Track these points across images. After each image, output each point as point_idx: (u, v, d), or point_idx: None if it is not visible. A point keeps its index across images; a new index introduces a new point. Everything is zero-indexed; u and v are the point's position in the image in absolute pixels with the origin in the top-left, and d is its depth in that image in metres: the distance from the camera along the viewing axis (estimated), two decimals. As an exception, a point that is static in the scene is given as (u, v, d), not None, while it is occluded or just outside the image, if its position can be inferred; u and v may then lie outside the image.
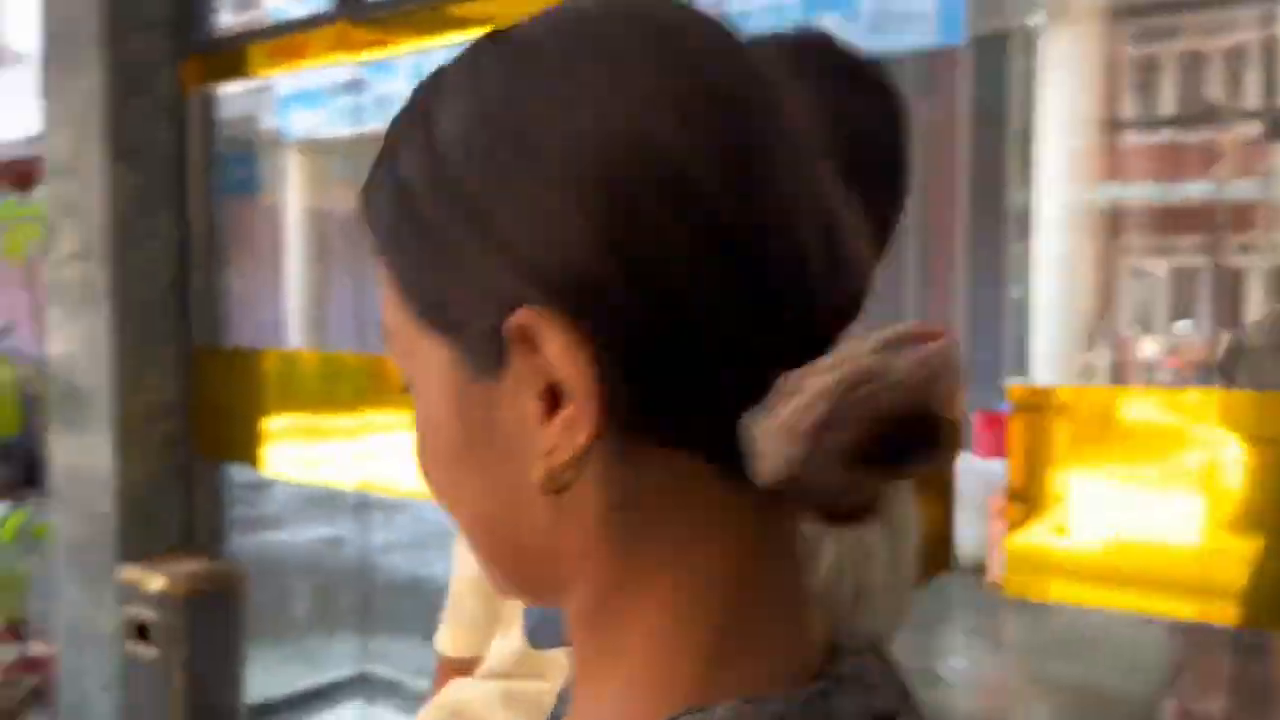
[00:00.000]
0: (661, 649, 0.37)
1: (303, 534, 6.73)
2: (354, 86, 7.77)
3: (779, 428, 0.33)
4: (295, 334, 10.26)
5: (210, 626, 3.02)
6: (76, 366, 3.23)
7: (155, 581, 2.95)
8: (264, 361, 3.27)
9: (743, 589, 0.37)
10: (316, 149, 9.68)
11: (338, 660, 4.08)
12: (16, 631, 3.85)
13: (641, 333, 0.34)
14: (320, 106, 8.68)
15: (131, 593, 3.03)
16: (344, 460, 3.00)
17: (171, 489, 3.19)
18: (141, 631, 3.00)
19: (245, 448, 3.18)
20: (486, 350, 0.36)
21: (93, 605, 3.22)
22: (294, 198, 9.80)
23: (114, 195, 3.09)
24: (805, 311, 0.36)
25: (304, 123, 9.12)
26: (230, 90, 3.36)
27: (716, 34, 0.38)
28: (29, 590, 3.95)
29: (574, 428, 0.35)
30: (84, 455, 3.20)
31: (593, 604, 0.38)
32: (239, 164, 3.65)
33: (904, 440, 0.34)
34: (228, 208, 3.36)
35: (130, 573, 3.04)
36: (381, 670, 3.46)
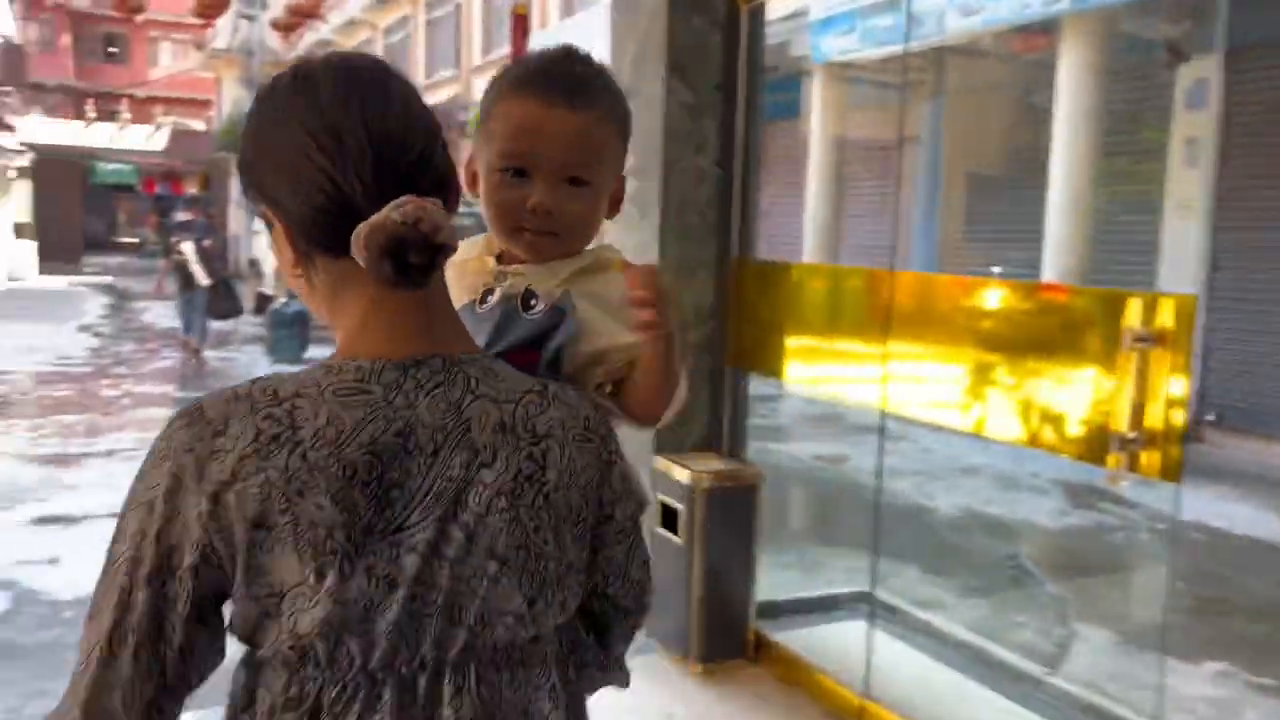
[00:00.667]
0: (344, 342, 0.92)
1: (803, 449, 7.03)
2: (887, 6, 7.89)
3: (355, 250, 0.83)
4: (809, 256, 10.58)
5: (729, 520, 3.21)
6: (624, 271, 3.50)
7: (683, 474, 3.18)
8: (797, 276, 3.36)
9: (377, 325, 0.90)
10: (842, 73, 9.81)
11: (836, 574, 4.20)
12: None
13: (297, 220, 0.89)
14: (851, 29, 8.86)
15: (662, 481, 3.28)
16: (862, 381, 3.02)
17: (702, 391, 3.40)
18: (669, 517, 3.25)
19: (770, 359, 3.31)
20: (268, 224, 0.93)
21: (626, 489, 3.51)
22: (818, 121, 10.06)
23: (668, 110, 3.29)
24: (365, 200, 0.85)
25: (834, 46, 9.34)
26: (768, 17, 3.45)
27: (339, 78, 0.89)
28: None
29: (287, 253, 0.92)
30: (626, 352, 3.49)
31: (334, 326, 0.94)
32: (777, 90, 3.76)
33: (401, 249, 0.82)
34: (764, 128, 3.48)
35: (662, 463, 3.29)
36: (882, 594, 3.51)
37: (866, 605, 3.47)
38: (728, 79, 3.36)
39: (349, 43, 27.78)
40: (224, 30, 29.12)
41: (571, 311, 1.03)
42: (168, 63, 38.75)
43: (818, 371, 3.27)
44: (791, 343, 3.21)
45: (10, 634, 3.58)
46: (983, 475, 6.35)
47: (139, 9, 19.05)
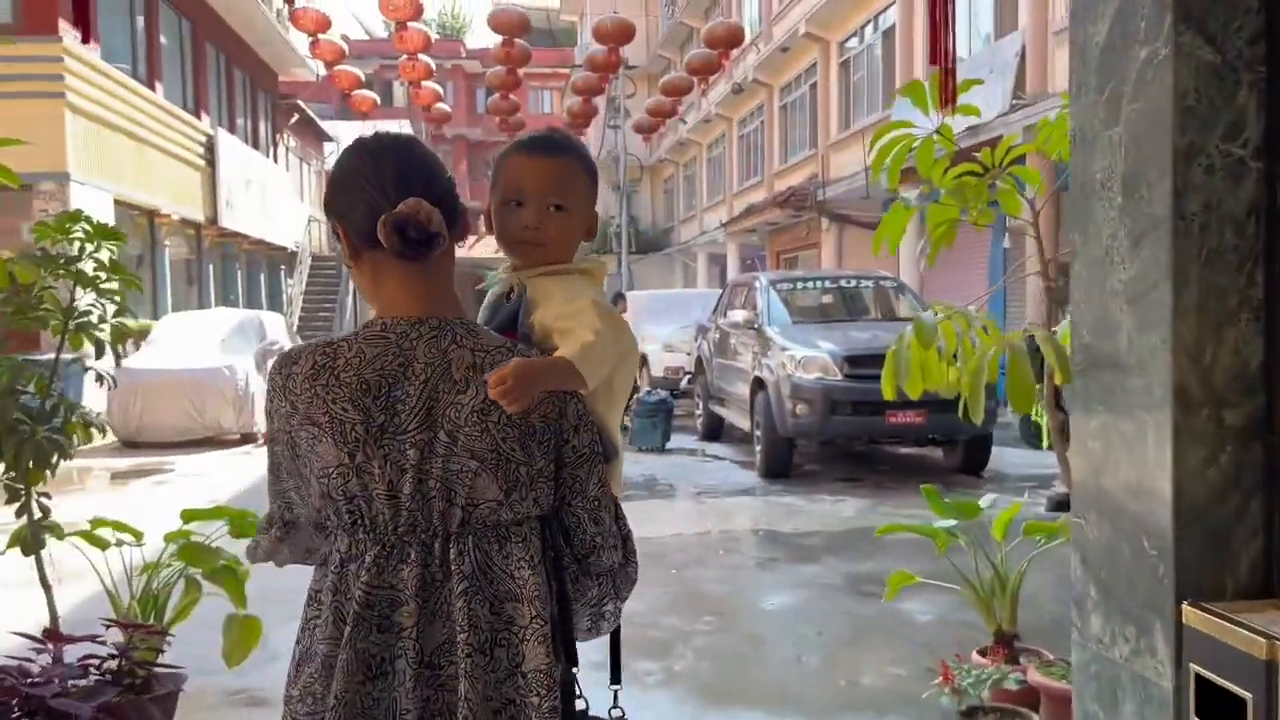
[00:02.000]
0: (378, 310, 1.43)
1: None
2: None
3: (379, 230, 1.36)
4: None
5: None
6: (1111, 326, 2.41)
7: (1247, 641, 1.98)
8: None
9: (396, 294, 1.42)
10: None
11: None
12: (1008, 647, 3.25)
13: (354, 225, 1.42)
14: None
15: (1201, 646, 2.10)
16: None
17: (1248, 502, 2.20)
18: (1219, 706, 2.06)
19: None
20: (335, 236, 1.48)
21: (1131, 647, 2.37)
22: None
23: (1179, 80, 2.20)
24: (390, 209, 1.37)
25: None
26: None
27: (380, 144, 1.45)
28: (1018, 601, 3.33)
29: (347, 251, 1.45)
30: (1119, 444, 2.38)
31: (373, 302, 1.46)
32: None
33: (404, 226, 1.35)
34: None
35: (1197, 618, 2.11)
36: None
37: None
38: (1275, 27, 2.21)
39: (705, 139, 28.54)
40: (593, 143, 31.23)
41: (524, 293, 1.52)
42: (546, 178, 42.33)
43: None
44: None
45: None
46: None
47: (520, 127, 20.68)
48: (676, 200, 32.94)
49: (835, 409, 8.03)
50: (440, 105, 19.74)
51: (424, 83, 18.33)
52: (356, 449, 1.31)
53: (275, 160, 22.52)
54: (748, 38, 20.03)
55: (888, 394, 3.17)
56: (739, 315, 9.76)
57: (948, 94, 2.68)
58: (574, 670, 1.47)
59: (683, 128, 28.45)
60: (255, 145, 20.71)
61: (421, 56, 17.11)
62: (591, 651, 1.60)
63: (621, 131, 27.10)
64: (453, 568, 1.32)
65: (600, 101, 23.81)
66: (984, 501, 3.49)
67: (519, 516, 1.36)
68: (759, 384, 8.82)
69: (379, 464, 1.31)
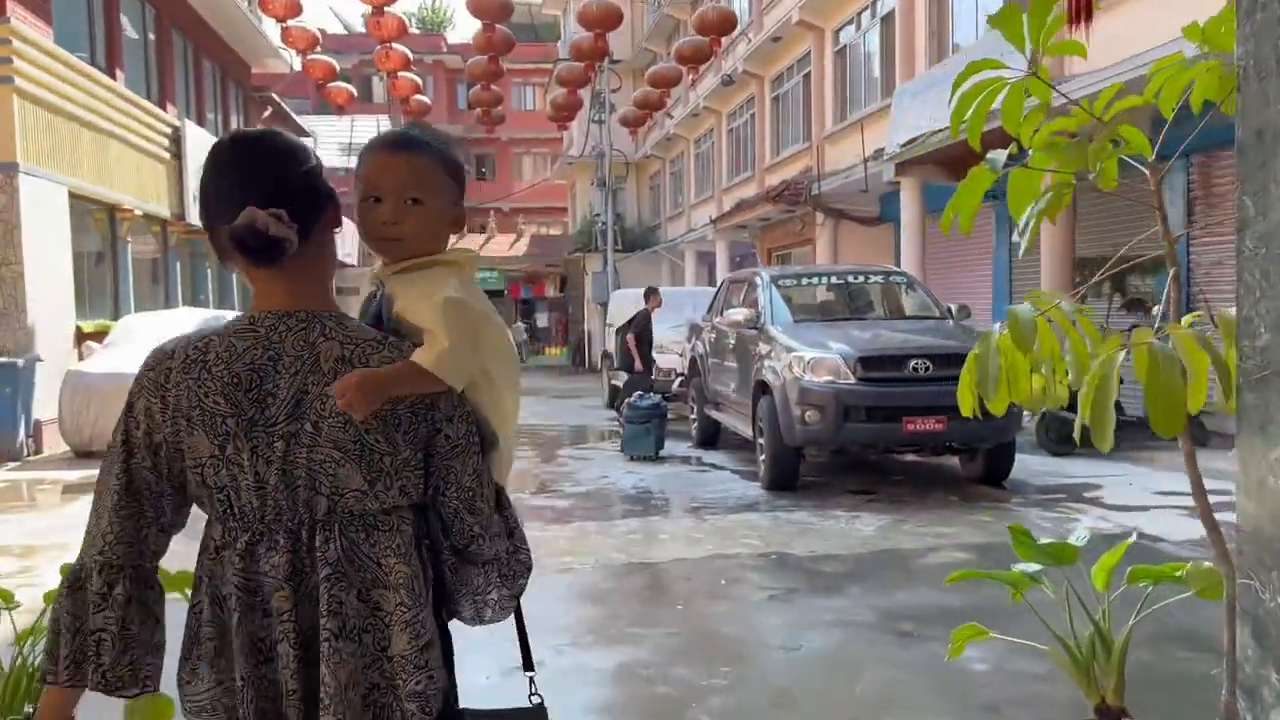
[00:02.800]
0: (252, 306, 1.49)
1: None
2: None
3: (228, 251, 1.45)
4: None
5: None
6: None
7: None
8: None
9: (264, 291, 1.46)
10: None
11: None
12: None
13: (213, 236, 1.45)
14: None
15: None
16: None
17: None
18: None
19: None
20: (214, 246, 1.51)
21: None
22: None
23: None
24: (238, 207, 1.40)
25: None
26: None
27: (236, 142, 1.50)
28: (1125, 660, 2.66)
29: (217, 255, 1.52)
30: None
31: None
32: None
33: (243, 241, 1.38)
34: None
35: None
36: None
37: None
38: None
39: (692, 134, 27.88)
40: (577, 139, 30.51)
41: (383, 292, 1.55)
42: (529, 176, 41.69)
43: None
44: None
45: None
46: None
47: (500, 120, 19.89)
48: (663, 197, 32.22)
49: (848, 415, 7.36)
50: (419, 97, 18.99)
51: (402, 73, 17.60)
52: (227, 441, 1.38)
53: (248, 155, 21.69)
54: (738, 27, 19.35)
55: (965, 409, 2.50)
56: (738, 314, 9.07)
57: (1079, 9, 1.98)
58: (530, 674, 1.65)
59: (669, 122, 27.75)
60: (227, 139, 19.87)
61: (398, 46, 16.37)
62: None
63: (606, 126, 26.42)
64: (318, 555, 1.39)
65: (585, 95, 23.08)
66: (1077, 538, 2.83)
67: (386, 506, 1.42)
68: (762, 388, 8.14)
69: (248, 456, 1.38)
